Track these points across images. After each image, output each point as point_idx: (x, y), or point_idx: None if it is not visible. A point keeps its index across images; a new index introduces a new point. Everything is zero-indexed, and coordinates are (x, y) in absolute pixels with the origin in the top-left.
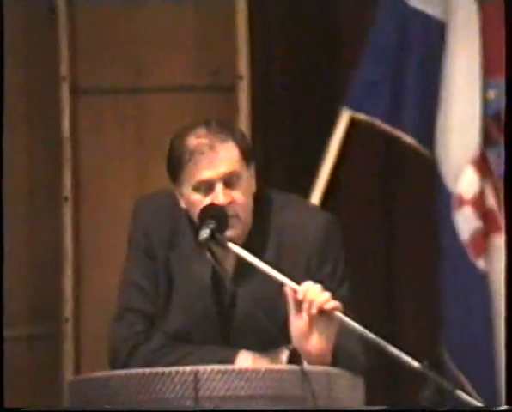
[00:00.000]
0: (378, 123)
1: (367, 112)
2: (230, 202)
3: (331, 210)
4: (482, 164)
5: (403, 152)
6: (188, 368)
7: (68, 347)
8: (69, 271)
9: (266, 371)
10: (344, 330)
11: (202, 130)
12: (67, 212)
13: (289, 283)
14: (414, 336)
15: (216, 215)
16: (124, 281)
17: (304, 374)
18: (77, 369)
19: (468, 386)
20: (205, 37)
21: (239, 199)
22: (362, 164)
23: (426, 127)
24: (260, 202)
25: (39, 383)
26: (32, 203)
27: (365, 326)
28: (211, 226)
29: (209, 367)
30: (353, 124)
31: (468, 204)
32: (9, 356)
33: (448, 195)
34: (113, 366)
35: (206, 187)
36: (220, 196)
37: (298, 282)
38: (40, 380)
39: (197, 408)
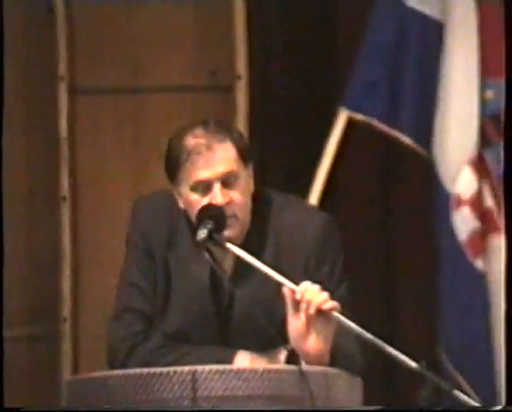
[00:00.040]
0: (376, 123)
1: (365, 113)
2: (228, 203)
3: (329, 210)
4: (480, 164)
5: (401, 152)
6: (186, 368)
7: (66, 347)
8: (67, 271)
9: (264, 371)
10: (341, 330)
11: (200, 130)
12: (65, 212)
13: (287, 283)
14: (412, 337)
15: (214, 216)
16: (122, 281)
17: (302, 374)
18: (75, 369)
19: (466, 387)
20: (204, 37)
21: (237, 199)
22: (360, 164)
23: (424, 127)
24: (259, 203)
25: (38, 383)
26: (30, 203)
27: (363, 326)
28: (209, 226)
29: (207, 367)
30: (351, 124)
31: (466, 204)
32: (7, 356)
33: (446, 195)
34: (112, 367)
35: (204, 187)
36: (217, 196)
37: (296, 283)
38: (39, 380)
39: (194, 408)
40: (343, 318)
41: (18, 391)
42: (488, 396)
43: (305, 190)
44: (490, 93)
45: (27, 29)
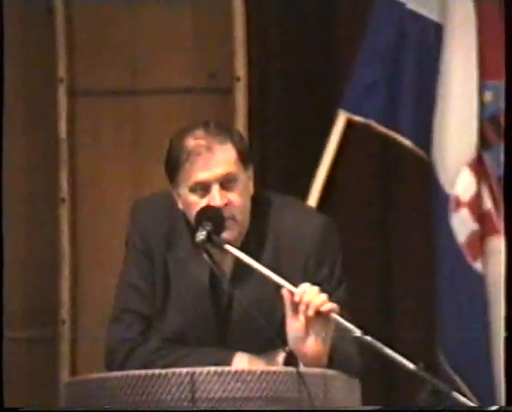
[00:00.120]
0: (375, 125)
1: (363, 114)
2: (227, 204)
3: (328, 211)
4: (478, 166)
5: (400, 154)
6: (184, 370)
7: (65, 348)
8: (66, 272)
9: (263, 372)
10: (340, 331)
11: (200, 132)
12: (64, 213)
13: (286, 285)
14: (410, 338)
15: (213, 217)
16: (121, 283)
17: (300, 376)
18: (74, 371)
19: (464, 388)
20: (203, 39)
21: (235, 201)
22: (358, 166)
23: (423, 129)
24: (258, 205)
25: (36, 384)
26: (29, 205)
27: (361, 328)
28: (208, 228)
29: (205, 369)
30: (350, 125)
31: (465, 207)
32: (7, 358)
33: (445, 197)
34: (110, 368)
35: (202, 188)
36: (216, 197)
37: (295, 284)
38: (37, 382)
39: (194, 409)
40: (341, 320)
41: (17, 393)
42: (486, 398)
43: (304, 191)
44: (489, 95)
45: (27, 30)
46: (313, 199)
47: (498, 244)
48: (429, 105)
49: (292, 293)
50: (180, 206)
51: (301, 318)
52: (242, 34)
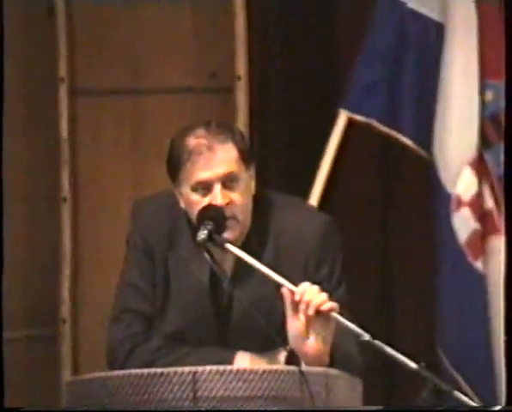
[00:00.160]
0: (375, 124)
1: (364, 114)
2: (228, 204)
3: (328, 211)
4: (480, 165)
5: (401, 153)
6: (186, 369)
7: (66, 348)
8: (67, 272)
9: (264, 372)
10: (341, 330)
11: (201, 131)
12: (65, 213)
13: (286, 284)
14: (411, 337)
15: (214, 217)
16: (122, 282)
17: (302, 375)
18: (75, 370)
19: (465, 387)
20: (203, 38)
21: (237, 200)
22: (360, 165)
23: (424, 128)
24: (259, 204)
25: (38, 384)
26: (30, 204)
27: (362, 327)
28: (209, 227)
29: (207, 368)
30: (351, 125)
31: (466, 206)
32: (7, 357)
33: (446, 196)
34: (111, 368)
35: (204, 188)
36: (218, 197)
37: (296, 284)
38: (39, 381)
39: (195, 409)
40: (342, 319)
41: (18, 392)
42: (487, 397)
43: (305, 191)
44: (489, 95)
45: (28, 29)
46: (314, 198)
47: (499, 243)
48: (430, 104)
49: (292, 293)
50: (182, 205)
51: (302, 317)
52: (243, 33)
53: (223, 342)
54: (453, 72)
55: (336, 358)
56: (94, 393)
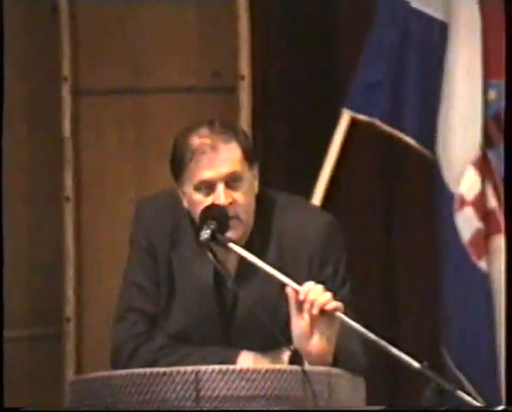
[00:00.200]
0: (378, 123)
1: (367, 113)
2: (231, 203)
3: (331, 210)
4: (483, 165)
5: (404, 153)
6: (189, 368)
7: (69, 347)
8: (70, 271)
9: (267, 371)
10: (345, 330)
11: (205, 130)
12: (68, 212)
13: (290, 284)
14: (415, 337)
15: (217, 216)
16: (125, 281)
17: (305, 375)
18: (79, 369)
19: (469, 387)
20: (206, 38)
21: (240, 200)
22: (362, 164)
23: (427, 128)
24: (262, 203)
25: (41, 383)
26: (33, 203)
27: (366, 327)
28: (212, 226)
29: (210, 367)
30: (354, 124)
31: (469, 205)
32: (11, 356)
33: (450, 196)
34: (115, 367)
35: (207, 187)
36: (221, 196)
37: (300, 283)
38: (42, 380)
39: (197, 409)
40: (346, 319)
41: (21, 391)
42: (490, 397)
43: (308, 190)
44: (493, 94)
45: (31, 29)
46: (316, 198)
47: (502, 242)
48: (433, 103)
49: (297, 292)
50: (185, 204)
51: (306, 316)
52: (246, 33)
53: (227, 342)
54: (456, 71)
55: (340, 357)
56: (98, 392)
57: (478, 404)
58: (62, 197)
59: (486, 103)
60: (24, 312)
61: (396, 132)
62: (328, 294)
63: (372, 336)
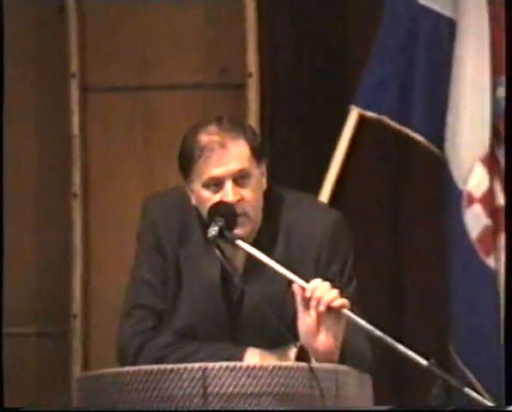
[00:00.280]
0: (387, 121)
1: (376, 110)
2: (239, 200)
3: (340, 208)
4: (491, 162)
5: (412, 150)
6: (196, 365)
7: (76, 344)
8: (78, 268)
9: (274, 368)
10: (351, 327)
11: (213, 127)
12: (76, 209)
13: (297, 281)
14: (422, 334)
15: (225, 213)
16: (133, 278)
17: (312, 372)
18: (86, 366)
19: (477, 384)
20: (214, 35)
21: (248, 197)
22: (370, 162)
23: (435, 125)
24: (270, 200)
25: (48, 379)
26: (41, 200)
27: (373, 324)
28: (220, 223)
29: (217, 364)
30: (362, 121)
31: (478, 202)
32: (18, 353)
33: (458, 193)
34: (122, 364)
35: (216, 184)
36: (229, 193)
37: (307, 280)
38: (49, 377)
39: (203, 408)
40: (353, 316)
41: (29, 388)
42: (497, 395)
43: (315, 188)
44: (501, 91)
45: (39, 27)
46: (324, 195)
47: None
48: (441, 100)
49: (303, 289)
50: (193, 201)
51: (313, 313)
52: (253, 29)
53: (234, 339)
54: (464, 68)
55: (346, 354)
56: (105, 389)
57: (486, 402)
58: (70, 194)
59: (495, 100)
60: (31, 309)
61: (404, 129)
62: (335, 292)
63: (379, 333)
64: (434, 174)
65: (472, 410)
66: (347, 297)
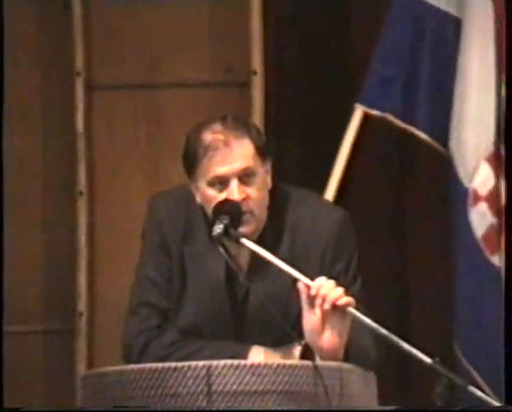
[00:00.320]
0: (391, 119)
1: (380, 108)
2: (245, 199)
3: (345, 205)
4: (497, 160)
5: (417, 148)
6: (201, 363)
7: (81, 342)
8: (83, 266)
9: (279, 366)
10: (356, 325)
11: (217, 126)
12: (82, 207)
13: (302, 279)
14: (428, 333)
15: (230, 211)
16: (138, 276)
17: (317, 370)
18: (91, 364)
19: (482, 383)
20: (219, 33)
21: (253, 195)
22: (375, 160)
23: (440, 123)
24: (275, 198)
25: (53, 377)
26: (47, 198)
27: (378, 322)
28: (225, 221)
29: (221, 362)
30: (367, 119)
31: (483, 200)
32: (23, 351)
33: (463, 191)
34: (127, 362)
35: (221, 183)
36: (234, 192)
37: (312, 278)
38: (54, 375)
39: (207, 409)
40: (358, 314)
41: (33, 386)
42: (502, 393)
43: (320, 186)
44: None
45: (44, 24)
46: (329, 193)
47: None
48: (446, 99)
49: (308, 287)
50: (198, 200)
51: (318, 311)
52: (258, 28)
53: (239, 337)
54: (469, 66)
55: (351, 352)
56: (109, 387)
57: (490, 400)
58: (75, 192)
59: (500, 98)
60: (38, 307)
61: (409, 127)
62: (340, 290)
63: (383, 331)
64: (438, 173)
65: (481, 411)
66: (352, 295)
